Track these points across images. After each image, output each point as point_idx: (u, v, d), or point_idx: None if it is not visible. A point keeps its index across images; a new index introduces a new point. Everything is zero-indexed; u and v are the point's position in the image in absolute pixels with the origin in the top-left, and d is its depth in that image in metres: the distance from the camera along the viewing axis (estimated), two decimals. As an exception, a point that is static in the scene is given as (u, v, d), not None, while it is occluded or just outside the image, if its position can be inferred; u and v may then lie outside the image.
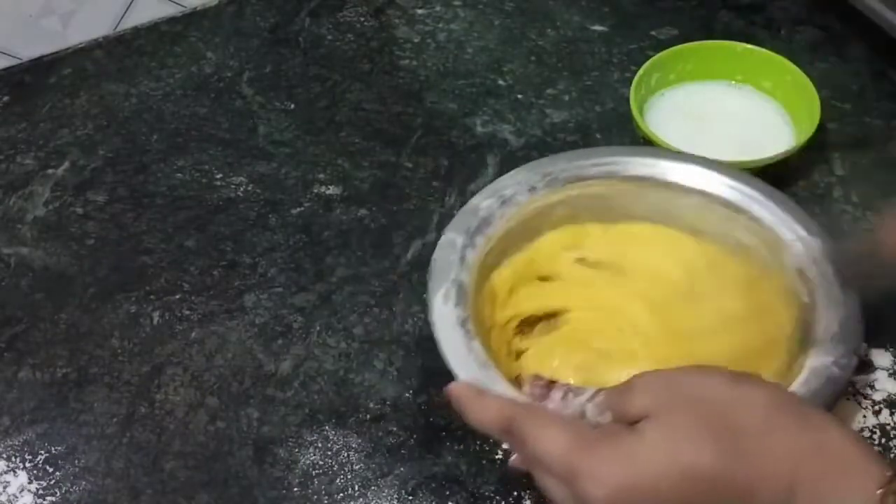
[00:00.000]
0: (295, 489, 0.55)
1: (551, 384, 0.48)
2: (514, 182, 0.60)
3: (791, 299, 0.56)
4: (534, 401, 0.49)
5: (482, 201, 0.59)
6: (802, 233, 0.57)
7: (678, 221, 0.61)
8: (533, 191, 0.60)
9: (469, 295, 0.55)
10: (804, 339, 0.53)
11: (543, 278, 0.61)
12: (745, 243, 0.59)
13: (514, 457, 0.49)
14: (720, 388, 0.43)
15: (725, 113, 0.72)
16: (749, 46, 0.73)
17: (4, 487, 0.56)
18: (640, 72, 0.71)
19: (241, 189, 0.72)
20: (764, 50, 0.73)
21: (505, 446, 0.56)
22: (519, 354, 0.58)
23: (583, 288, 0.60)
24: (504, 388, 0.50)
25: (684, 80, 0.73)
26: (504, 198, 0.59)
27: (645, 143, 0.68)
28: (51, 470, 0.57)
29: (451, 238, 0.57)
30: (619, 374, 0.49)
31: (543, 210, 0.61)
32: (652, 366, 0.48)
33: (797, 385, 0.51)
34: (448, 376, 0.59)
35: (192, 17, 0.86)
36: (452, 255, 0.56)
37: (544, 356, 0.57)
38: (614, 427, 0.44)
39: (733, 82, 0.73)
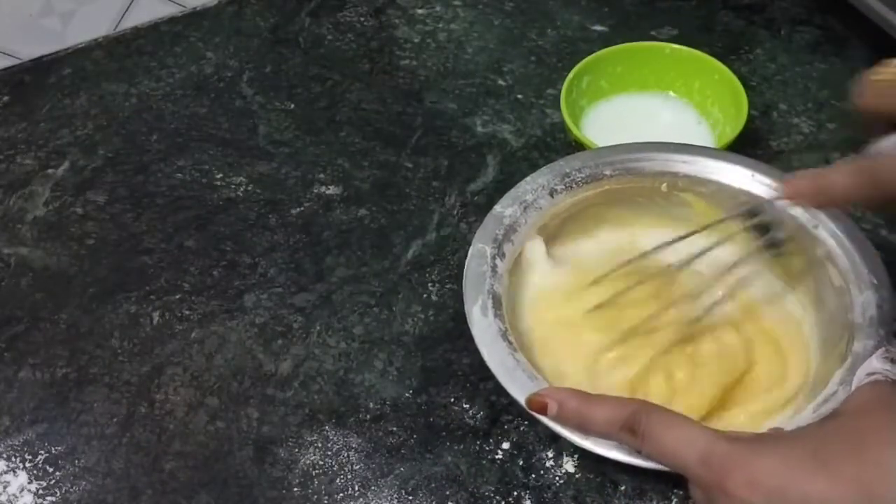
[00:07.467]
0: (295, 489, 0.55)
1: None
2: (533, 187, 0.61)
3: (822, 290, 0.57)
4: None
5: (505, 209, 0.60)
6: (824, 217, 0.57)
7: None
8: (553, 194, 0.60)
9: (504, 305, 0.56)
10: (843, 324, 0.53)
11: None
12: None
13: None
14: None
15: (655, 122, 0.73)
16: (676, 47, 0.73)
17: (4, 487, 0.56)
18: (570, 76, 0.71)
19: (241, 189, 0.72)
20: (691, 49, 0.72)
21: (506, 446, 0.56)
22: None
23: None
24: None
25: (617, 91, 0.74)
26: (526, 204, 0.60)
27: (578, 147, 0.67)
28: (51, 470, 0.57)
29: (481, 248, 0.58)
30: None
31: (566, 212, 0.61)
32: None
33: (842, 371, 0.51)
34: (445, 376, 0.60)
35: (192, 17, 0.87)
36: (483, 265, 0.57)
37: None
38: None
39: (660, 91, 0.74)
